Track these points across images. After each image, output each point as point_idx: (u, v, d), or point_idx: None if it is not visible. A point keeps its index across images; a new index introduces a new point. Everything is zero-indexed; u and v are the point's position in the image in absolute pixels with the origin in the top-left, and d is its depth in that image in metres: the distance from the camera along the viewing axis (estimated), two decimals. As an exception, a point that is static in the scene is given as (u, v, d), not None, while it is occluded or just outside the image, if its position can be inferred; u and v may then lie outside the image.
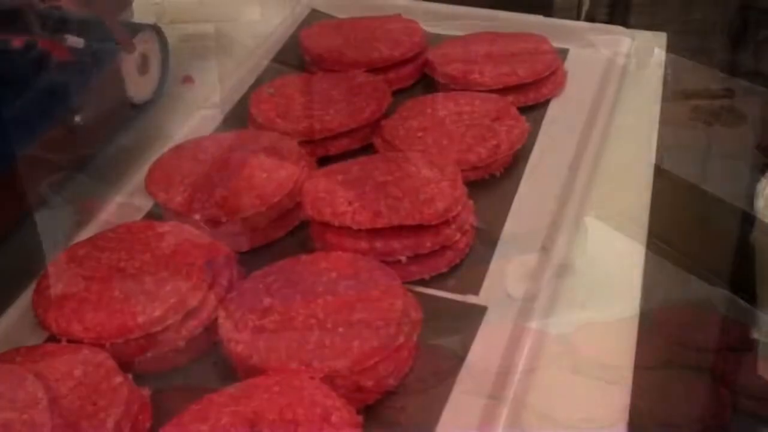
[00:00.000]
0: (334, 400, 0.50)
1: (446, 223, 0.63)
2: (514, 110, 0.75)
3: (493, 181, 0.73)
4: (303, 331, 0.54)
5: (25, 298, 0.61)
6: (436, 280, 0.64)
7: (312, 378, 0.51)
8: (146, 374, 0.56)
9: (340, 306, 0.55)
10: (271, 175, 0.66)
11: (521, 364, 0.56)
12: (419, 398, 0.56)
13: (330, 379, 0.52)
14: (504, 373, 0.56)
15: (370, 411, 0.53)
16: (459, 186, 0.65)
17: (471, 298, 0.63)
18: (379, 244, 0.62)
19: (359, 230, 0.62)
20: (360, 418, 0.50)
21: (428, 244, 0.62)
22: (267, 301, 0.57)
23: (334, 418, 0.48)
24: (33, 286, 0.60)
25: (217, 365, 0.58)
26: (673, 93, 0.93)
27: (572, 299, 0.63)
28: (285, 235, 0.68)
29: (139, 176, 0.71)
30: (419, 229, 0.62)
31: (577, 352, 0.60)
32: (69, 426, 0.49)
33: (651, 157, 0.77)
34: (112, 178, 0.74)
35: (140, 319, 0.55)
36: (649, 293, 0.63)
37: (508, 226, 0.68)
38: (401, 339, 0.54)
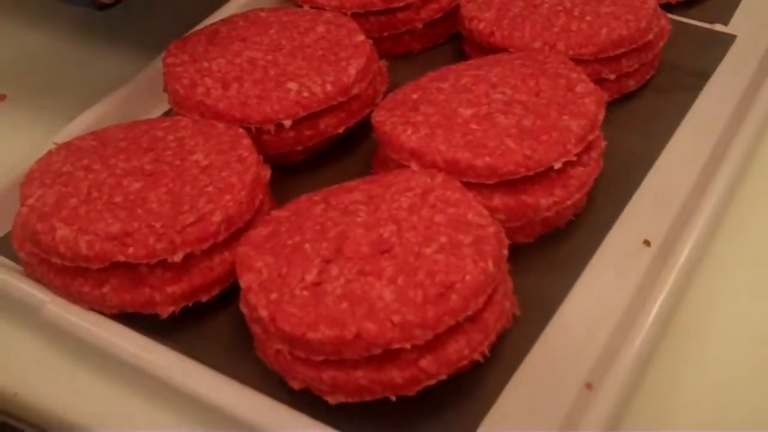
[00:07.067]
0: (579, 73, 0.48)
1: (702, -53, 0.59)
2: None
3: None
4: (549, 16, 0.52)
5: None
6: (682, 7, 0.61)
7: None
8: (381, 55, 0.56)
9: (588, -1, 0.53)
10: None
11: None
12: (658, 103, 0.54)
13: (573, 64, 0.50)
14: (744, 107, 0.53)
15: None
16: None
17: (719, 27, 0.59)
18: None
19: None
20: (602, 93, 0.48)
21: (679, -36, 0.59)
22: (513, -12, 0.55)
23: (579, 89, 0.47)
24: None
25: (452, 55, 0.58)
26: None
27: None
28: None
29: None
30: (673, -54, 0.59)
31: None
32: (312, 69, 0.49)
33: None
34: None
35: (384, -9, 0.55)
36: None
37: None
38: (650, 36, 0.52)
